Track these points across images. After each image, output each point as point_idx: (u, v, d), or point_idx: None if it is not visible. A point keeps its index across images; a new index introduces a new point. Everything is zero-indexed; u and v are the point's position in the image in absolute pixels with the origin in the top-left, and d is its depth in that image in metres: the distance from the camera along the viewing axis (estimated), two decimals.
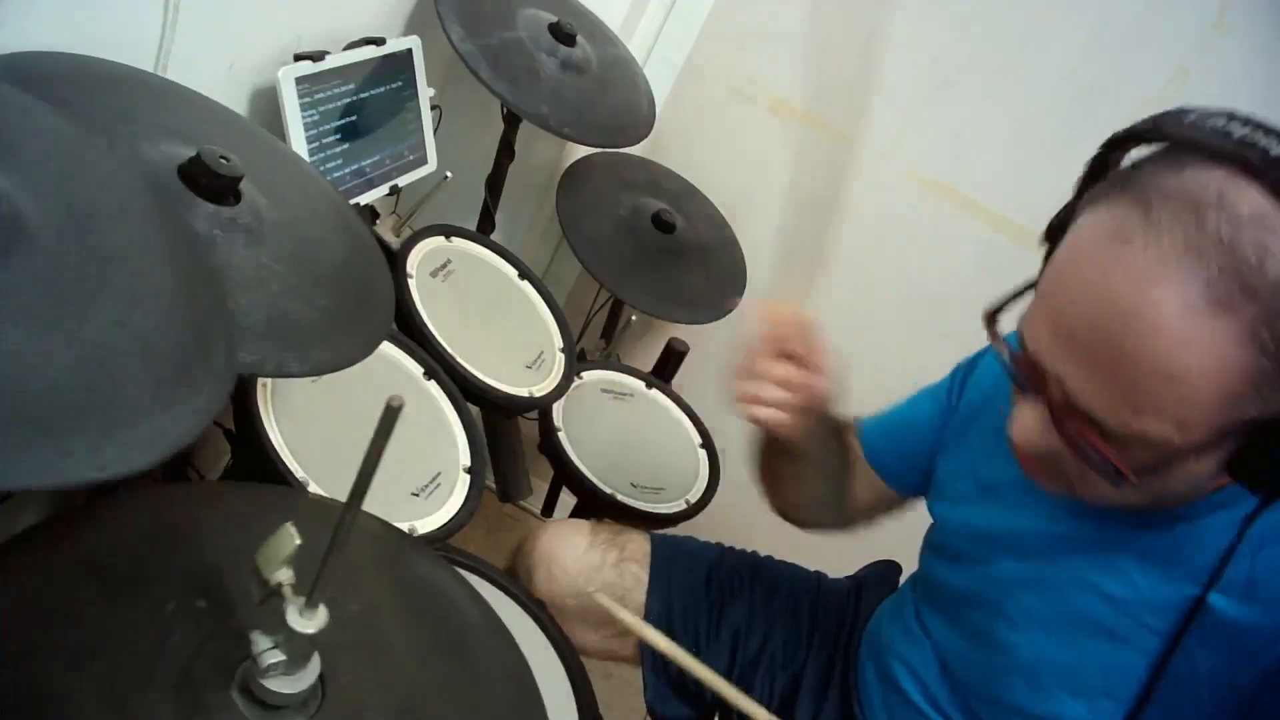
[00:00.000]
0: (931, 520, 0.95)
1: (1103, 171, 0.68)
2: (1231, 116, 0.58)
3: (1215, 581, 0.67)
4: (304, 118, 1.06)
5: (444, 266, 1.26)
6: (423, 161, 1.33)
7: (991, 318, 0.70)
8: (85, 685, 0.50)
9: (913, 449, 0.97)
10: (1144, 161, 0.61)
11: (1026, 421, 0.66)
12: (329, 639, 0.56)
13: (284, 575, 0.50)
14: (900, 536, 1.07)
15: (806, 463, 0.91)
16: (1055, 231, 0.70)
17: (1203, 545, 0.69)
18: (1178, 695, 0.70)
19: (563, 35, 1.33)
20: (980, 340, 1.71)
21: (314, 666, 0.54)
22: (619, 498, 1.27)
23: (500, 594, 1.00)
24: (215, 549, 0.61)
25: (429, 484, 1.00)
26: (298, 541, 0.50)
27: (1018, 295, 0.71)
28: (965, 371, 0.96)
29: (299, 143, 1.06)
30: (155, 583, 0.58)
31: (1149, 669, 0.71)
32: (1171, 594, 0.70)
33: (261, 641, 0.52)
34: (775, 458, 0.94)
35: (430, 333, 1.15)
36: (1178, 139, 0.59)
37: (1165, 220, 0.55)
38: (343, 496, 0.47)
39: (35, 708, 0.49)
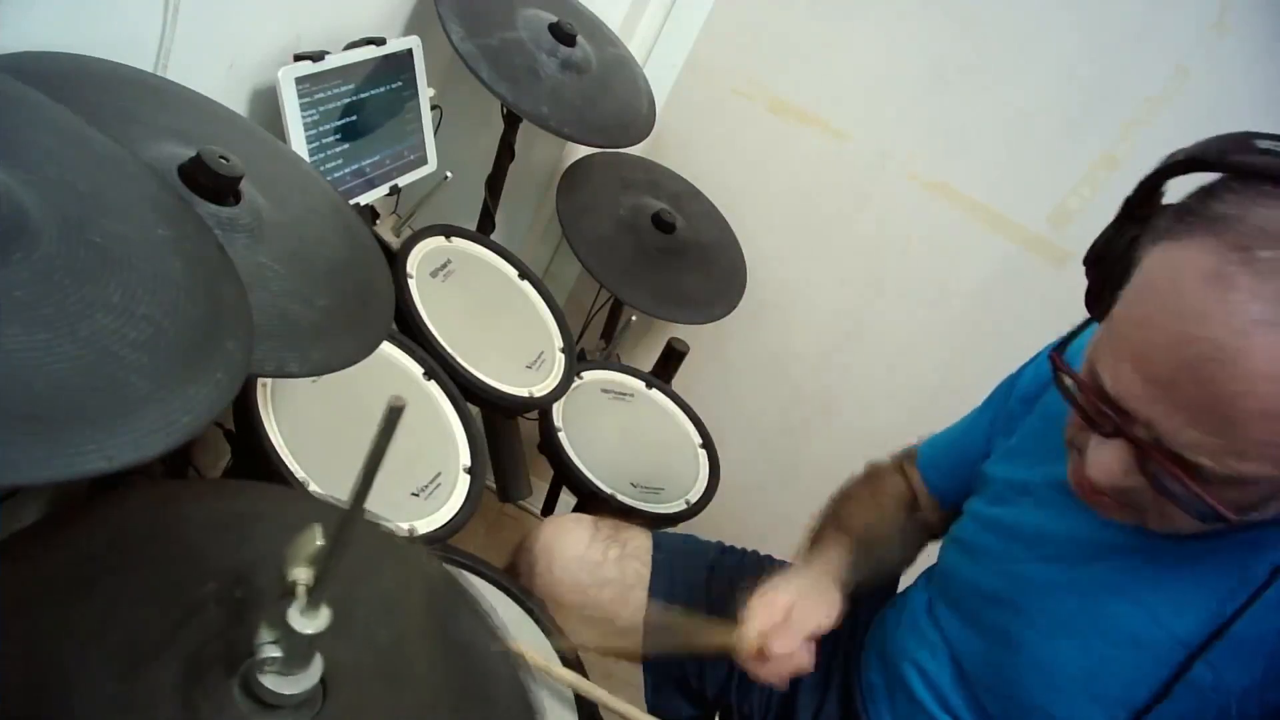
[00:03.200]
0: (960, 516, 0.95)
1: (1152, 198, 0.66)
2: None
3: (1257, 597, 0.66)
4: (304, 118, 1.06)
5: (444, 266, 1.27)
6: (423, 161, 1.33)
7: (1060, 358, 0.67)
8: (101, 642, 0.52)
9: (967, 473, 0.97)
10: (1216, 192, 0.59)
11: (1108, 463, 0.63)
12: (347, 658, 0.57)
13: (301, 574, 0.51)
14: None
15: (867, 579, 0.97)
16: (1101, 260, 0.68)
17: (1252, 559, 0.68)
18: (1201, 708, 0.70)
19: (563, 35, 1.33)
20: (982, 339, 1.72)
21: (313, 673, 0.54)
22: (619, 498, 1.27)
23: (500, 594, 1.00)
24: (267, 544, 0.61)
25: (429, 484, 1.00)
26: (320, 542, 0.50)
27: (1084, 326, 0.70)
28: (1011, 382, 0.96)
29: (299, 143, 1.06)
30: (200, 564, 0.59)
31: (1167, 679, 0.70)
32: (1208, 605, 0.69)
33: (265, 635, 0.52)
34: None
35: (430, 333, 1.15)
36: (1256, 170, 0.58)
37: (1269, 262, 0.54)
38: (345, 497, 0.47)
39: (52, 661, 0.50)
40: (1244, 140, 0.60)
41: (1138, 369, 0.59)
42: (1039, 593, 0.80)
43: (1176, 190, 0.65)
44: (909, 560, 1.07)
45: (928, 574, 1.02)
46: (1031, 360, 0.95)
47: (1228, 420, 0.56)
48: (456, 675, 0.66)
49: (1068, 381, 0.66)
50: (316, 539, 0.50)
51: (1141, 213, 0.67)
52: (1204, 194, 0.60)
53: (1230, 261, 0.55)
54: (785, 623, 0.86)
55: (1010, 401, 0.94)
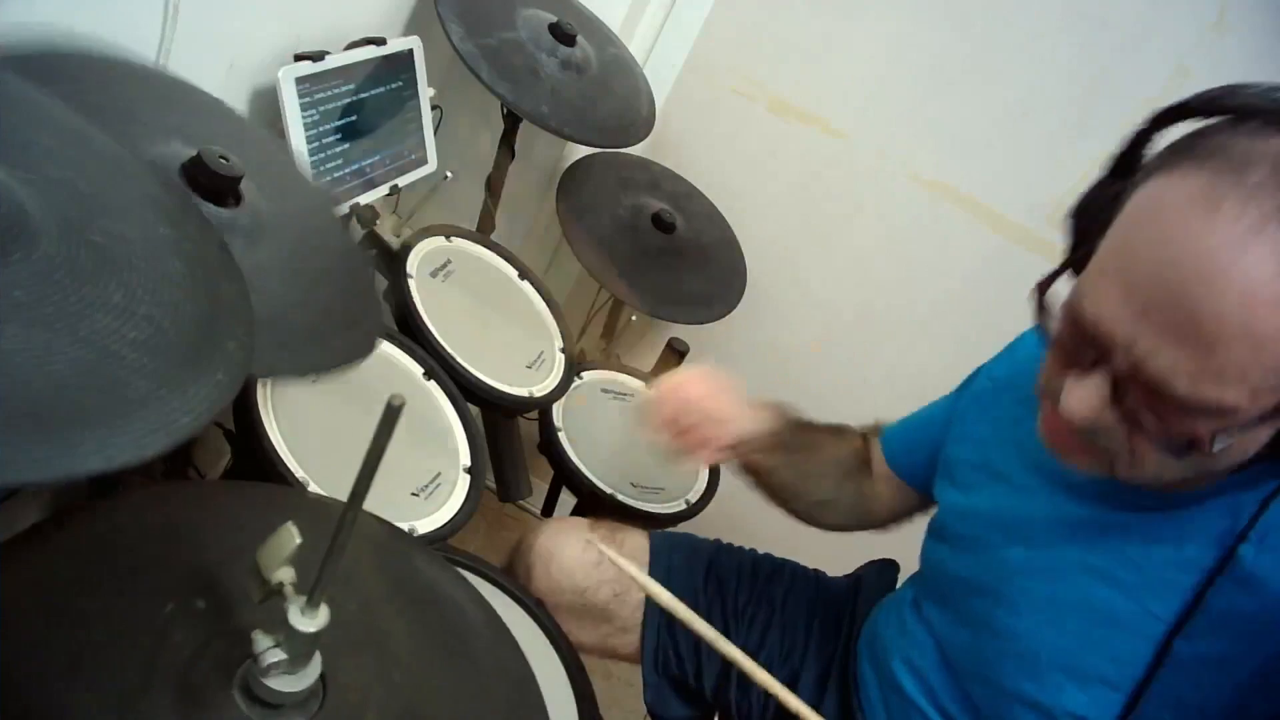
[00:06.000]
0: (936, 509, 0.96)
1: (1139, 151, 0.68)
2: None
3: (1223, 569, 0.67)
4: (304, 118, 1.06)
5: (444, 266, 1.27)
6: (423, 161, 1.33)
7: (1043, 291, 0.69)
8: (85, 686, 0.50)
9: (931, 450, 0.97)
10: (1208, 132, 0.60)
11: (1084, 395, 0.63)
12: (328, 638, 0.56)
13: (285, 574, 0.50)
14: (899, 536, 1.08)
15: (780, 475, 1.02)
16: (1085, 212, 0.70)
17: (1211, 530, 0.69)
18: (1181, 681, 0.70)
19: (563, 35, 1.33)
20: (982, 340, 1.73)
21: (315, 665, 0.54)
22: (619, 498, 1.27)
23: (500, 594, 1.00)
24: (217, 548, 0.61)
25: (429, 484, 1.00)
26: (298, 540, 0.50)
27: (1063, 269, 0.70)
28: (982, 370, 0.97)
29: (299, 142, 1.06)
30: (156, 582, 0.58)
31: (1152, 654, 0.71)
32: (1178, 578, 0.70)
33: (262, 641, 0.52)
34: (751, 478, 1.05)
35: (430, 333, 1.15)
36: (1247, 108, 0.59)
37: (1259, 184, 0.54)
38: (343, 496, 0.47)
39: (35, 710, 0.49)
40: (1233, 88, 0.61)
41: (1122, 293, 0.60)
42: (1017, 578, 0.81)
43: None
44: (829, 505, 1.06)
45: (914, 574, 1.02)
46: (1005, 349, 0.96)
47: (1208, 339, 0.56)
48: (432, 623, 0.67)
49: (1048, 320, 0.67)
50: (294, 538, 0.50)
51: (1127, 166, 0.68)
52: (1193, 135, 0.62)
53: (1220, 184, 0.56)
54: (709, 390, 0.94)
55: (970, 389, 0.95)
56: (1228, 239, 0.54)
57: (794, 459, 1.03)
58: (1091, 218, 0.69)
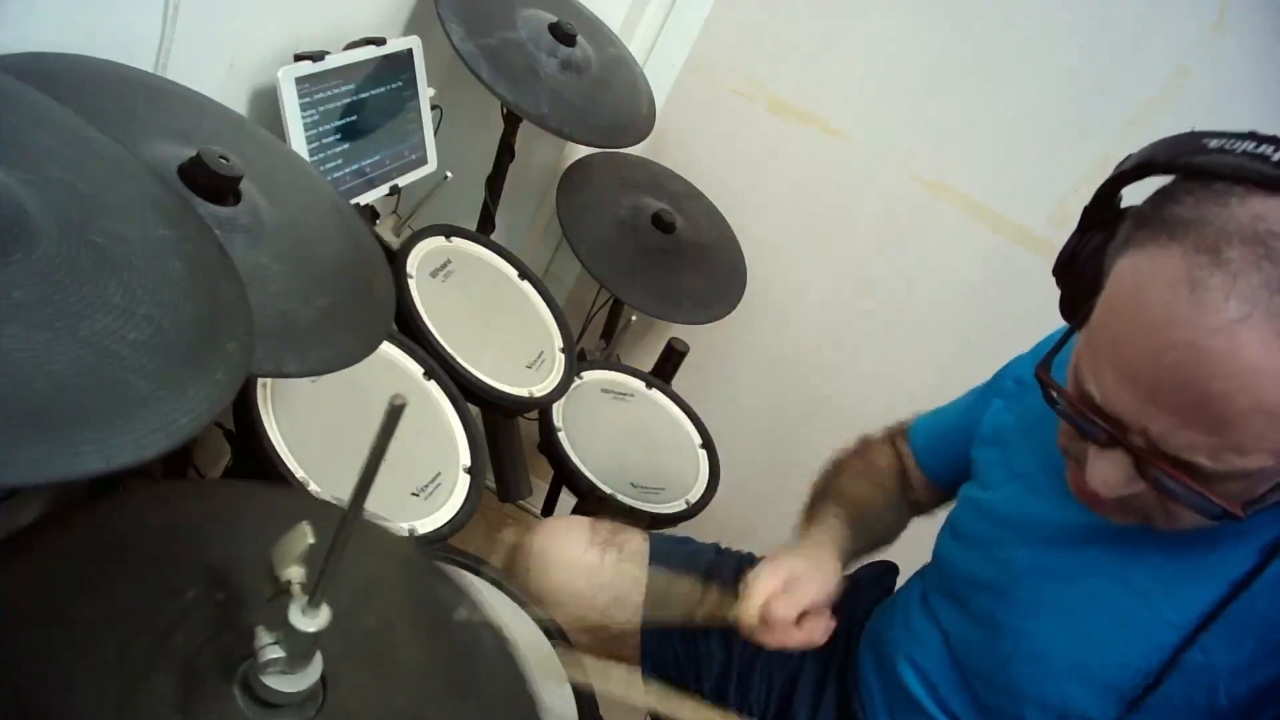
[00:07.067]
0: (955, 503, 0.96)
1: (1109, 205, 0.67)
2: (1255, 137, 0.58)
3: (1254, 578, 0.67)
4: (304, 118, 1.06)
5: (444, 266, 1.27)
6: (423, 161, 1.33)
7: (1047, 374, 0.68)
8: (85, 685, 0.51)
9: (959, 454, 0.98)
10: (1173, 195, 0.60)
11: (1108, 474, 0.64)
12: (338, 648, 0.57)
13: (294, 573, 0.51)
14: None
15: (862, 552, 1.02)
16: (1068, 270, 0.70)
17: (1241, 540, 0.68)
18: (1191, 690, 0.70)
19: (563, 35, 1.33)
20: (982, 339, 1.72)
21: (314, 669, 0.54)
22: (619, 498, 1.27)
23: (500, 594, 1.00)
24: (217, 548, 0.61)
25: (429, 484, 1.00)
26: (311, 540, 0.50)
27: (1065, 340, 0.70)
28: (1010, 368, 0.97)
29: (299, 143, 1.06)
30: (156, 582, 0.58)
31: (1161, 662, 0.71)
32: (1199, 588, 0.70)
33: (264, 637, 0.52)
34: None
35: (430, 333, 1.15)
36: (1211, 170, 0.58)
37: (1238, 261, 0.54)
38: (343, 495, 0.47)
39: (43, 681, 0.50)
40: (1194, 140, 0.61)
41: (1122, 379, 0.60)
42: (1027, 578, 0.81)
43: (1138, 195, 0.66)
44: (896, 534, 1.08)
45: (922, 569, 1.02)
46: (1030, 350, 0.95)
47: (1221, 419, 0.56)
48: (443, 651, 0.67)
49: (1056, 396, 0.67)
50: (306, 537, 0.50)
51: (1101, 219, 0.68)
52: (1161, 197, 0.61)
53: (1199, 265, 0.56)
54: (785, 591, 0.87)
55: (1006, 383, 0.95)
56: (1219, 324, 0.54)
57: (863, 538, 1.01)
58: (1077, 275, 0.69)
